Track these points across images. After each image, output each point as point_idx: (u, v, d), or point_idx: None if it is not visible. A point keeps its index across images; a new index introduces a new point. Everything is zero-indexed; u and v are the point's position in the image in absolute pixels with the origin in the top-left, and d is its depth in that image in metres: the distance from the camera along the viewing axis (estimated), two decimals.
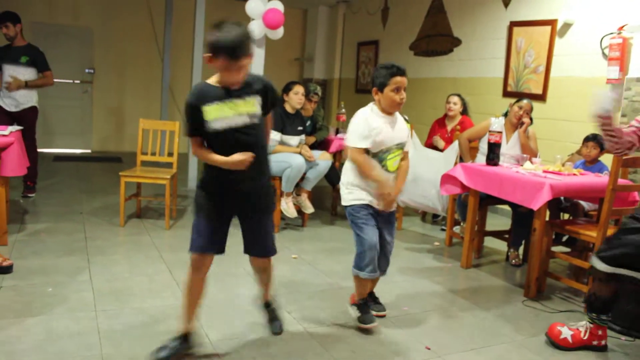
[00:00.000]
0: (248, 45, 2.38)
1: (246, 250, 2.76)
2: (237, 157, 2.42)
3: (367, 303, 3.14)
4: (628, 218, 2.92)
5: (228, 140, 2.46)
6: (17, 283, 3.33)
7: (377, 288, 3.31)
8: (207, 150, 2.50)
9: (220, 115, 2.43)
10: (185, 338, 2.60)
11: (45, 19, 8.66)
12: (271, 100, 2.60)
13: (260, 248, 2.77)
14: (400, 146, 3.02)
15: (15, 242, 4.07)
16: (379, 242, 3.01)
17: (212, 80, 2.49)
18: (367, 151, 2.92)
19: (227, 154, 2.45)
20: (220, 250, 2.64)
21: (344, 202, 3.06)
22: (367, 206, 2.98)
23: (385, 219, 3.07)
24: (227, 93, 2.45)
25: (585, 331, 2.98)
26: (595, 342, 2.98)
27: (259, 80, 2.55)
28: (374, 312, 3.18)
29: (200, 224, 2.56)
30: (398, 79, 2.88)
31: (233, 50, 2.31)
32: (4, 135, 3.86)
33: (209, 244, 2.56)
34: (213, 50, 2.34)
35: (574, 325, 3.03)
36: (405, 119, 3.14)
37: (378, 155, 2.93)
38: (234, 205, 2.60)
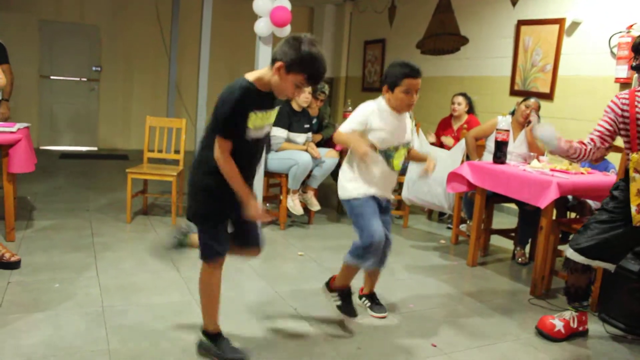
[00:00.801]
0: None
1: (243, 243, 2.63)
2: (257, 206, 2.38)
3: (350, 293, 3.14)
4: (599, 209, 3.03)
5: (252, 147, 2.40)
6: (24, 279, 3.35)
7: (382, 284, 3.31)
8: (235, 167, 2.33)
9: (262, 124, 2.36)
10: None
11: (53, 17, 8.71)
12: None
13: (256, 237, 2.66)
14: (406, 145, 2.99)
15: (22, 239, 4.09)
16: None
17: (255, 81, 2.32)
18: (374, 147, 2.84)
19: (242, 161, 2.35)
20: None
21: (345, 195, 2.95)
22: (372, 198, 2.92)
23: (386, 210, 3.04)
24: (270, 102, 2.38)
25: (573, 319, 3.09)
26: (580, 328, 3.11)
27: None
28: (374, 314, 3.18)
29: (218, 231, 2.47)
30: (411, 81, 2.78)
31: (321, 78, 2.29)
32: (11, 132, 3.88)
33: (227, 246, 2.51)
34: (300, 66, 2.22)
35: (561, 316, 3.11)
36: (409, 116, 3.08)
37: (385, 152, 2.89)
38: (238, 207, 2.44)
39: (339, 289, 3.13)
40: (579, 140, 3.09)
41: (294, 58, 2.21)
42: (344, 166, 3.01)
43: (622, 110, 2.91)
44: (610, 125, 2.97)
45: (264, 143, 2.52)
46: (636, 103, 2.86)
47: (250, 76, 2.33)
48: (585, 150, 3.04)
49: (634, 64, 3.02)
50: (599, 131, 3.02)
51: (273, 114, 2.44)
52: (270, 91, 2.34)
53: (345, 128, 2.85)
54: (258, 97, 2.30)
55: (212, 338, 2.55)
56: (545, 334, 3.06)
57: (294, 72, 2.23)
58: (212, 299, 2.54)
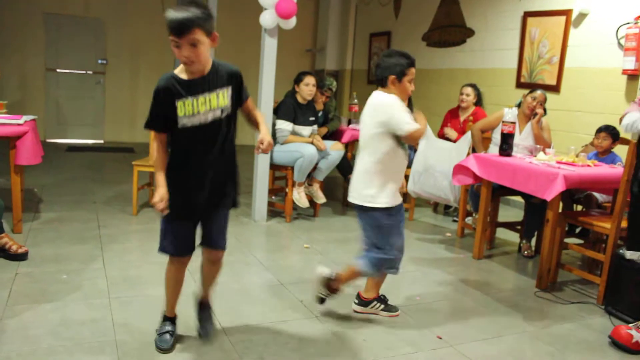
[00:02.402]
0: (197, 20, 2.16)
1: (204, 242, 2.57)
2: (156, 196, 2.30)
3: (385, 299, 3.14)
4: None
5: (195, 135, 2.31)
6: (32, 270, 3.37)
7: (388, 277, 3.31)
8: (163, 159, 2.34)
9: (195, 109, 2.28)
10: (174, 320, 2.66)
11: (57, 10, 8.71)
12: (240, 89, 2.41)
13: (218, 239, 2.59)
14: None
15: (30, 230, 4.12)
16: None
17: (179, 71, 2.31)
18: (398, 140, 2.79)
19: (192, 149, 2.33)
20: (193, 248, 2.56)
21: (370, 203, 2.82)
22: (396, 208, 2.87)
23: (402, 213, 2.98)
24: (198, 86, 2.28)
25: None
26: None
27: (225, 69, 2.37)
28: (386, 314, 3.12)
29: (171, 229, 2.48)
30: (414, 70, 2.84)
31: (172, 26, 2.18)
32: (18, 125, 3.89)
33: (178, 248, 2.52)
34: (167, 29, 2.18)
35: (636, 326, 2.93)
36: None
37: (402, 145, 2.85)
38: (200, 205, 2.43)
39: (380, 296, 3.13)
40: None
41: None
42: (365, 173, 2.86)
43: None
44: None
45: (218, 127, 2.34)
46: None
47: (177, 69, 2.33)
48: None
49: None
50: None
51: (214, 97, 2.31)
52: (201, 76, 2.28)
53: (412, 123, 2.73)
54: (182, 85, 2.27)
55: (163, 318, 2.65)
56: (621, 345, 2.88)
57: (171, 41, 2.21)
58: (167, 288, 2.61)
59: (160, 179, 2.33)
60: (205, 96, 2.29)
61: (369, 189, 2.83)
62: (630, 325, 2.95)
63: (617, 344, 2.89)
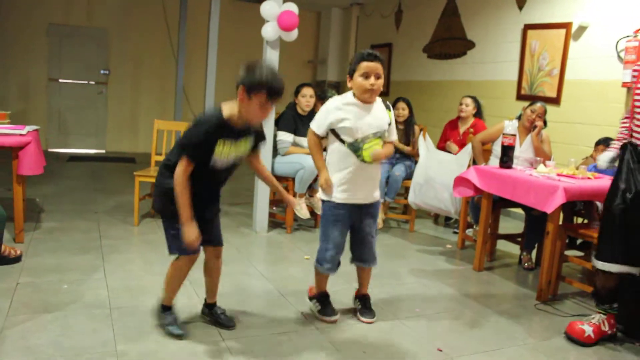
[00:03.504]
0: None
1: (210, 241, 2.82)
2: (191, 234, 2.54)
3: (327, 295, 3.20)
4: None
5: (215, 174, 2.62)
6: (33, 280, 3.37)
7: (388, 288, 3.32)
8: (188, 191, 2.52)
9: (227, 154, 2.55)
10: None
11: (61, 21, 8.77)
12: (260, 141, 2.77)
13: (220, 237, 2.88)
14: (379, 135, 2.92)
15: (31, 240, 4.13)
16: (359, 235, 3.10)
17: (227, 114, 2.52)
18: (342, 141, 2.91)
19: (201, 185, 2.59)
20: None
21: (321, 196, 3.06)
22: (342, 205, 2.98)
23: (368, 212, 3.07)
24: (239, 133, 2.56)
25: (604, 323, 3.09)
26: (610, 332, 3.11)
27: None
28: (362, 319, 3.17)
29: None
30: (367, 64, 2.82)
31: (280, 94, 2.45)
32: (21, 135, 3.92)
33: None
34: (257, 88, 2.41)
35: (589, 320, 3.12)
36: (387, 106, 3.02)
37: (353, 144, 2.88)
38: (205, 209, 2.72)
39: (318, 296, 3.21)
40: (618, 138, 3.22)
41: (250, 84, 2.42)
42: (328, 167, 3.05)
43: (632, 78, 3.03)
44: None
45: (229, 174, 2.71)
46: None
47: (225, 110, 2.53)
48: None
49: None
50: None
51: (239, 144, 2.59)
52: (242, 127, 2.55)
53: (313, 125, 3.00)
54: (228, 128, 2.51)
55: (163, 308, 2.85)
56: (575, 339, 3.06)
57: (254, 95, 2.43)
58: (173, 283, 2.81)
59: (189, 214, 2.53)
60: (238, 141, 2.58)
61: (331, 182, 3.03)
62: (583, 320, 3.14)
63: (572, 338, 3.08)
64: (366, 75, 2.83)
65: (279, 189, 3.01)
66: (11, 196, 4.01)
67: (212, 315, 2.97)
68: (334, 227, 3.02)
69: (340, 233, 3.04)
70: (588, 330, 3.06)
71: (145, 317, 2.96)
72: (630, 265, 3.00)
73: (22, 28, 8.54)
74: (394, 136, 3.06)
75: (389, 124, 2.99)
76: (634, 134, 3.04)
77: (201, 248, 2.73)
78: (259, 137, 2.75)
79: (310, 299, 3.25)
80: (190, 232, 2.53)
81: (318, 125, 2.97)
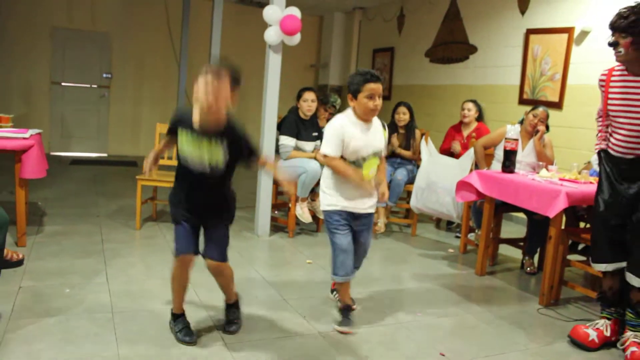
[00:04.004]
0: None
1: (205, 253, 2.81)
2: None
3: (349, 308, 3.19)
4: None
5: (197, 177, 2.64)
6: (35, 284, 3.38)
7: (389, 293, 3.31)
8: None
9: (190, 151, 2.61)
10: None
11: (64, 24, 8.80)
12: (242, 154, 2.70)
13: (212, 249, 2.81)
14: (377, 154, 3.04)
15: (33, 244, 4.13)
16: (358, 242, 3.15)
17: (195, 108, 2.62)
18: (343, 159, 2.97)
19: (190, 187, 2.68)
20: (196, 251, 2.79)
21: (321, 207, 3.13)
22: (340, 212, 3.04)
23: (363, 222, 3.13)
24: (201, 131, 2.60)
25: (607, 328, 3.09)
26: (613, 338, 3.10)
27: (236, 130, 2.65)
28: (338, 327, 3.11)
29: (177, 231, 2.73)
30: (372, 85, 2.89)
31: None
32: (24, 138, 3.92)
33: (186, 247, 2.73)
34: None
35: (593, 325, 3.12)
36: (383, 125, 3.14)
37: (355, 162, 2.97)
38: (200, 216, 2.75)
39: (344, 306, 3.18)
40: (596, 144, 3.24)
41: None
42: (321, 178, 3.15)
43: (600, 87, 3.07)
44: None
45: (211, 180, 2.65)
46: (611, 82, 2.91)
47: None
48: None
49: (610, 40, 2.95)
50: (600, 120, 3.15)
51: (206, 145, 2.58)
52: (206, 126, 2.57)
53: (330, 151, 2.96)
54: (190, 122, 2.59)
55: (173, 317, 2.86)
56: (580, 343, 3.07)
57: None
58: (175, 287, 2.82)
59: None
60: (199, 139, 2.61)
61: (320, 194, 3.14)
62: (588, 324, 3.14)
63: (576, 342, 3.08)
64: (371, 97, 2.90)
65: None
66: (14, 200, 4.01)
67: (225, 315, 3.03)
68: (339, 233, 3.06)
69: (346, 238, 3.07)
70: (592, 334, 3.06)
71: (147, 321, 2.96)
72: (618, 261, 3.02)
73: (25, 31, 8.57)
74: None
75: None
76: (610, 138, 3.06)
77: (192, 253, 2.73)
78: (239, 147, 2.64)
79: (339, 310, 3.21)
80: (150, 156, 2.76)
81: (333, 148, 2.95)
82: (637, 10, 2.76)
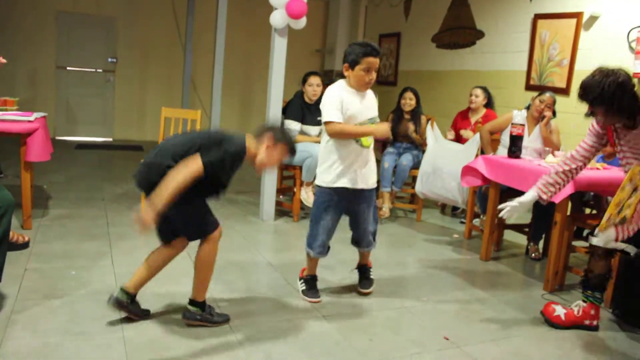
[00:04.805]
0: None
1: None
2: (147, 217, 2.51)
3: (315, 278, 3.30)
4: None
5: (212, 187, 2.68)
6: (41, 266, 3.40)
7: (395, 278, 3.31)
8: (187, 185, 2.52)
9: None
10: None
11: (70, 8, 8.77)
12: None
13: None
14: (372, 121, 3.08)
15: (39, 227, 4.15)
16: (356, 220, 3.19)
17: (249, 150, 2.64)
18: None
19: (209, 190, 2.69)
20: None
21: (316, 181, 3.17)
22: (335, 190, 3.06)
23: (364, 197, 3.15)
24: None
25: (578, 310, 3.09)
26: (587, 322, 3.09)
27: None
28: (360, 289, 3.37)
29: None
30: (371, 59, 2.91)
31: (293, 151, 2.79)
32: (29, 121, 3.92)
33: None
34: (281, 140, 2.69)
35: (568, 305, 3.15)
36: (374, 94, 3.19)
37: None
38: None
39: (306, 277, 3.31)
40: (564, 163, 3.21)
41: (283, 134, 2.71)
42: (322, 152, 3.14)
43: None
44: (590, 142, 3.13)
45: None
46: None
47: (249, 144, 2.62)
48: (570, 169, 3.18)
49: (586, 112, 3.08)
50: (577, 149, 3.18)
51: None
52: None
53: (335, 118, 2.96)
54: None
55: (202, 306, 2.78)
56: (545, 318, 3.15)
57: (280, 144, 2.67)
58: (210, 272, 2.78)
59: (165, 202, 2.47)
60: None
61: (319, 167, 3.14)
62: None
63: (544, 317, 3.17)
64: (368, 70, 2.93)
65: None
66: (19, 183, 4.03)
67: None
68: (325, 212, 3.10)
69: (330, 219, 3.11)
70: (560, 311, 3.11)
71: (151, 303, 2.97)
72: (626, 242, 2.98)
73: (31, 15, 8.55)
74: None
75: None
76: None
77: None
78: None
79: (300, 279, 3.35)
80: (150, 214, 2.47)
81: (336, 114, 2.96)
82: (595, 84, 2.91)
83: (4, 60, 3.53)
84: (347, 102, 2.97)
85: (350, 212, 3.20)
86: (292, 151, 2.70)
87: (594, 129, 3.12)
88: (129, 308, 2.74)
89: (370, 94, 3.13)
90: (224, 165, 2.52)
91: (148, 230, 2.47)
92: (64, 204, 4.88)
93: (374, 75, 2.97)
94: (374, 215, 3.29)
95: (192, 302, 2.78)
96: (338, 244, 4.39)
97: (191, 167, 2.45)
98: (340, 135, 2.99)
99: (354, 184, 3.07)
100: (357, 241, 3.32)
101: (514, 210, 3.23)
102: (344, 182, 3.05)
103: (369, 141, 3.07)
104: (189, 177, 2.44)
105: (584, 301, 3.10)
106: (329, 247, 3.24)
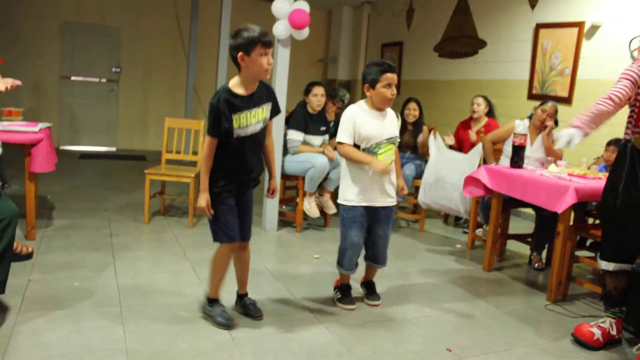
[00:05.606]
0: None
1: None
2: (202, 201, 2.73)
3: (349, 287, 3.38)
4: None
5: (245, 142, 2.76)
6: (44, 277, 3.40)
7: (397, 289, 3.32)
8: (211, 161, 2.75)
9: (247, 123, 2.73)
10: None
11: (74, 19, 8.83)
12: (276, 107, 2.92)
13: (247, 229, 2.99)
14: (392, 141, 3.15)
15: (42, 237, 4.16)
16: (373, 237, 3.24)
17: (233, 84, 2.72)
18: (357, 146, 3.09)
19: (242, 153, 2.77)
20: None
21: (338, 200, 3.23)
22: (356, 207, 3.13)
23: (382, 215, 3.22)
24: (252, 101, 2.74)
25: (612, 326, 3.06)
26: (617, 336, 3.09)
27: (269, 88, 2.87)
28: (368, 302, 3.42)
29: (220, 218, 2.83)
30: (389, 75, 3.02)
31: (266, 36, 2.63)
32: (34, 132, 3.94)
33: (232, 233, 2.88)
34: (248, 44, 2.60)
35: (597, 323, 3.09)
36: (396, 115, 3.25)
37: (369, 150, 3.09)
38: (242, 192, 2.91)
39: (340, 285, 3.41)
40: (597, 104, 2.97)
41: (240, 45, 2.62)
42: (342, 168, 3.22)
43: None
44: (629, 90, 2.90)
45: (260, 135, 2.84)
46: None
47: (230, 83, 2.73)
48: (609, 112, 2.94)
49: None
50: (618, 93, 2.92)
51: (257, 112, 2.77)
52: (251, 93, 2.73)
53: (342, 139, 3.09)
54: (240, 100, 2.69)
55: (210, 301, 2.98)
56: (583, 342, 3.03)
57: (251, 52, 2.61)
58: (217, 274, 2.94)
59: (206, 185, 2.74)
60: (256, 110, 2.75)
61: (342, 182, 3.23)
62: (592, 323, 3.09)
63: (580, 341, 3.04)
64: (389, 85, 3.04)
65: (271, 172, 3.11)
66: (23, 193, 4.05)
67: (242, 306, 3.10)
68: (350, 229, 3.16)
69: (356, 235, 3.17)
70: (597, 333, 3.02)
71: (155, 315, 2.98)
72: (626, 262, 3.00)
73: (35, 26, 8.61)
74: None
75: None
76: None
77: (238, 236, 2.89)
78: (275, 105, 2.89)
79: (334, 288, 3.44)
80: (202, 199, 2.72)
81: (346, 135, 3.08)
82: None
83: (19, 82, 3.58)
84: (362, 122, 3.06)
85: (371, 230, 3.25)
86: (264, 42, 2.62)
87: (632, 76, 2.93)
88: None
89: (390, 113, 3.19)
90: (213, 119, 2.67)
91: (209, 213, 2.75)
92: (67, 214, 4.90)
93: (395, 90, 3.06)
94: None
95: (206, 294, 3.01)
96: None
97: (205, 140, 2.73)
98: (346, 157, 3.12)
99: (372, 202, 3.15)
100: (374, 259, 3.34)
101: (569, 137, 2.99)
102: (362, 200, 3.13)
103: (388, 159, 3.11)
104: (206, 148, 2.70)
105: (612, 317, 3.08)
106: (357, 264, 3.31)
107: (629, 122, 2.99)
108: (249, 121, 2.73)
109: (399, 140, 3.23)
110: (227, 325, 2.88)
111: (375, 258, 3.33)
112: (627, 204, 2.90)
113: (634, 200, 2.88)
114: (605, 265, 3.04)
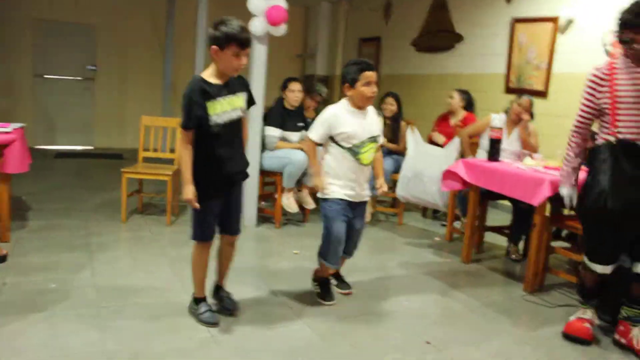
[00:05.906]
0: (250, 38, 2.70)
1: (223, 230, 2.99)
2: (188, 193, 2.69)
3: (329, 282, 3.42)
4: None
5: (221, 134, 2.73)
6: (19, 280, 3.35)
7: (375, 282, 3.33)
8: (191, 158, 2.72)
9: (222, 110, 2.71)
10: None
11: (48, 16, 8.68)
12: (251, 97, 2.93)
13: (236, 224, 3.02)
14: (373, 139, 3.16)
15: (17, 239, 4.09)
16: (351, 231, 3.25)
17: (206, 74, 2.72)
18: (340, 145, 3.10)
19: (222, 144, 2.75)
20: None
21: (318, 194, 3.23)
22: (339, 200, 3.15)
23: (359, 210, 3.26)
24: (227, 89, 2.73)
25: (594, 316, 3.09)
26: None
27: (243, 79, 2.89)
28: (339, 291, 3.48)
29: (201, 216, 2.83)
30: (368, 73, 3.03)
31: (244, 35, 2.63)
32: (6, 133, 3.88)
33: (210, 232, 2.92)
34: (224, 40, 2.59)
35: (582, 315, 3.09)
36: (378, 113, 3.29)
37: (351, 149, 3.10)
38: (226, 186, 2.89)
39: (320, 280, 3.43)
40: (568, 146, 3.19)
41: (217, 38, 2.61)
42: (325, 163, 3.22)
43: (600, 81, 2.98)
44: (590, 109, 3.05)
45: (238, 124, 2.85)
46: (615, 77, 2.89)
47: (204, 73, 2.74)
48: (584, 140, 3.13)
49: (624, 37, 2.95)
50: (581, 119, 3.10)
51: (235, 100, 2.78)
52: (225, 82, 2.73)
53: (312, 136, 3.16)
54: (213, 88, 2.68)
55: (195, 300, 2.99)
56: (579, 338, 3.01)
57: (225, 48, 2.61)
58: (197, 273, 2.96)
59: (189, 176, 2.70)
60: (230, 97, 2.74)
61: (326, 177, 3.21)
62: (576, 317, 3.09)
63: (575, 338, 3.01)
64: (368, 84, 3.04)
65: None
66: None
67: (218, 299, 3.12)
68: (334, 222, 3.15)
69: (340, 227, 3.17)
70: (590, 327, 3.03)
71: (134, 315, 2.96)
72: (614, 263, 3.00)
73: (7, 23, 8.43)
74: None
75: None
76: (614, 128, 2.93)
77: (215, 235, 2.93)
78: (250, 96, 2.91)
79: (313, 280, 3.45)
80: (188, 192, 2.68)
81: (318, 135, 3.14)
82: None
83: None
84: (342, 121, 3.08)
85: (348, 224, 3.25)
86: (239, 40, 2.62)
87: (589, 92, 3.07)
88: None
89: (372, 112, 3.21)
90: (186, 109, 2.66)
91: (195, 205, 2.72)
92: (43, 214, 4.83)
93: (375, 88, 3.06)
94: None
95: (193, 294, 3.02)
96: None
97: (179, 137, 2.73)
98: (305, 152, 3.20)
99: (353, 198, 3.18)
100: (347, 251, 3.35)
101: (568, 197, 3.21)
102: (346, 195, 3.15)
103: (369, 159, 3.14)
104: (181, 143, 2.71)
105: (588, 308, 3.10)
106: (340, 257, 3.32)
107: (602, 127, 2.99)
108: (224, 108, 2.71)
109: (381, 139, 3.25)
110: (212, 323, 2.88)
111: (349, 250, 3.36)
112: (623, 205, 2.83)
113: (628, 200, 2.84)
114: (602, 269, 2.98)
